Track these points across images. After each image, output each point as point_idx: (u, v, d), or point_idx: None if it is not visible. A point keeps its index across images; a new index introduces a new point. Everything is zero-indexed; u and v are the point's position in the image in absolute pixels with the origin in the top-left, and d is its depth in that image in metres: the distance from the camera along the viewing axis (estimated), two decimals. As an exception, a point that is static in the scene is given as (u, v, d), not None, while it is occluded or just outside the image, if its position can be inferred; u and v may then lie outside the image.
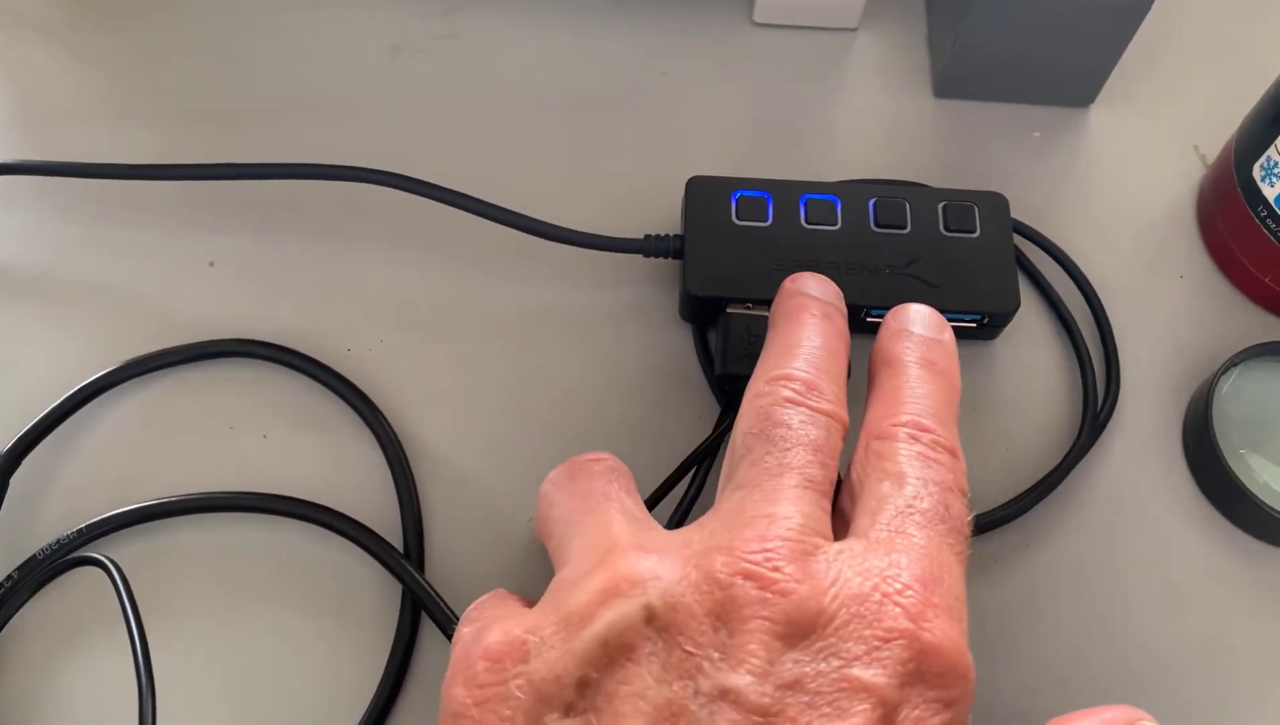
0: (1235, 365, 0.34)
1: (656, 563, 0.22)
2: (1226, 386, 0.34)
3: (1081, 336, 0.36)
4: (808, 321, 0.28)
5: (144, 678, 0.27)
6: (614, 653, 0.21)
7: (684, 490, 0.33)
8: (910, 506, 0.23)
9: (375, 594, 0.32)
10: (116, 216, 0.37)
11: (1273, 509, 0.32)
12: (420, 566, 0.32)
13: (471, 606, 0.26)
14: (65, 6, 0.41)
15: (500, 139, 0.39)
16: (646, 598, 0.21)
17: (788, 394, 0.25)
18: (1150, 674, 0.32)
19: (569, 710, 0.21)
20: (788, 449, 0.24)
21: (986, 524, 0.33)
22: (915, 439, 0.25)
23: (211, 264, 0.37)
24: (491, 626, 0.23)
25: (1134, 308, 0.37)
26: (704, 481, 0.33)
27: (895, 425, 0.25)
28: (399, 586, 0.32)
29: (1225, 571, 0.33)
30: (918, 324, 0.28)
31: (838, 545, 0.23)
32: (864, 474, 0.25)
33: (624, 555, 0.23)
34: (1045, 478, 0.34)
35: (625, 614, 0.21)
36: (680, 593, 0.21)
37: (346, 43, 0.41)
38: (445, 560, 0.33)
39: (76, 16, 0.41)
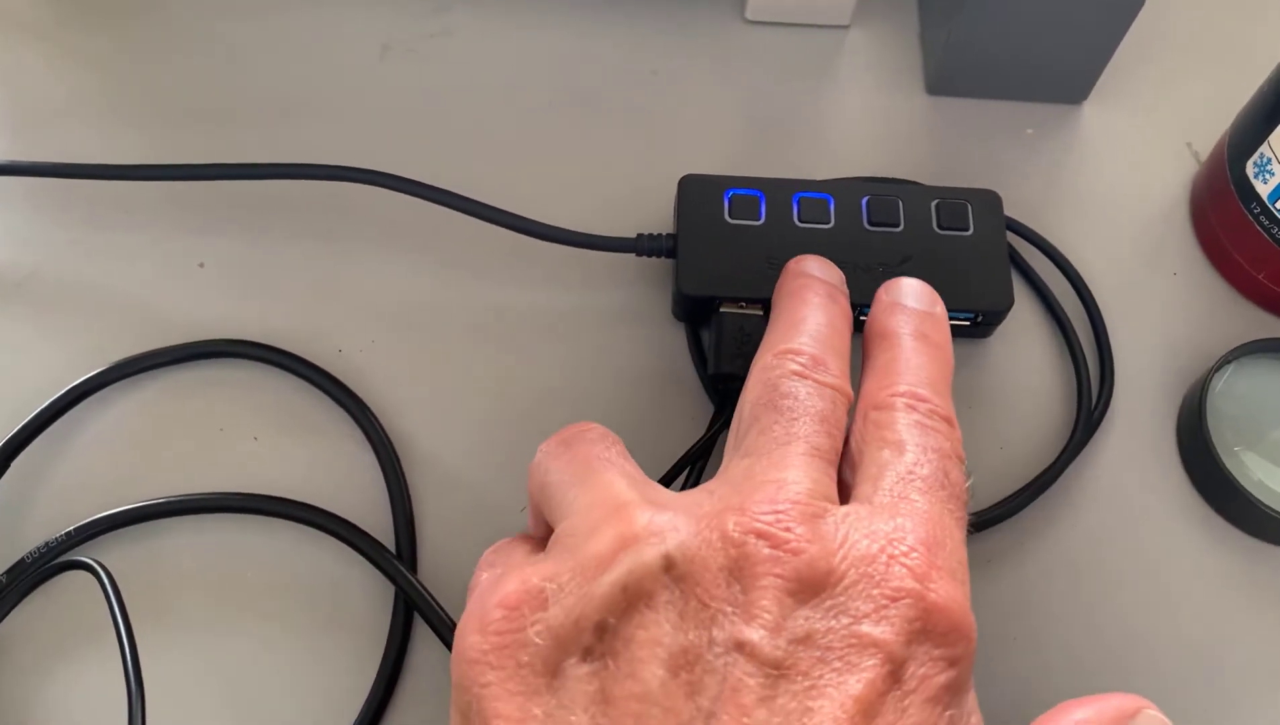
0: (1229, 362, 0.34)
1: (672, 517, 0.23)
2: (1220, 383, 0.34)
3: (1075, 334, 0.36)
4: (812, 300, 0.28)
5: (133, 682, 0.27)
6: (633, 598, 0.21)
7: (678, 490, 0.33)
8: (911, 473, 0.24)
9: (367, 595, 0.32)
10: (106, 217, 0.37)
11: (1267, 506, 0.32)
12: (412, 567, 0.32)
13: (489, 550, 0.26)
14: (55, 6, 0.41)
15: (491, 138, 0.39)
16: (665, 547, 0.22)
17: (794, 367, 0.26)
18: (1144, 671, 0.32)
19: (587, 655, 0.21)
20: (795, 419, 0.25)
21: (981, 522, 0.33)
22: (913, 408, 0.25)
23: (202, 265, 0.36)
24: (508, 575, 0.23)
25: (1128, 305, 0.37)
26: (698, 481, 0.33)
27: (893, 395, 0.26)
28: (391, 587, 0.32)
29: (1220, 569, 0.33)
30: (910, 297, 0.28)
31: (844, 509, 0.23)
32: (863, 442, 0.25)
33: (639, 508, 0.23)
34: (1040, 475, 0.34)
35: (645, 561, 0.22)
36: (696, 546, 0.22)
37: (337, 42, 0.41)
38: (437, 561, 0.32)
39: (66, 16, 0.41)
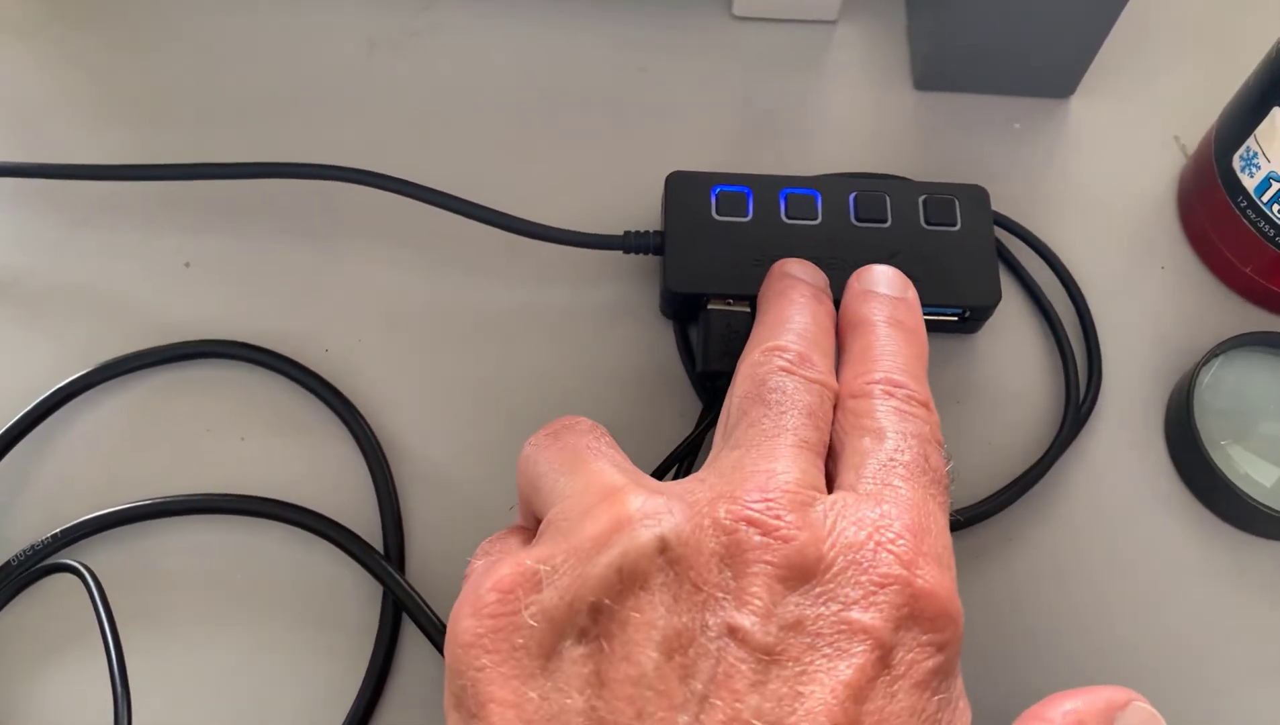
0: (1216, 356, 0.34)
1: (665, 502, 0.23)
2: (1208, 377, 0.34)
3: (1063, 329, 0.36)
4: (797, 300, 0.29)
5: (119, 685, 0.27)
6: (628, 580, 0.22)
7: (666, 488, 0.33)
8: (892, 459, 0.24)
9: (356, 596, 0.32)
10: (92, 217, 0.37)
11: (1254, 499, 0.32)
12: (401, 567, 0.32)
13: (485, 541, 0.27)
14: (40, 5, 0.41)
15: (479, 136, 0.39)
16: (660, 529, 0.22)
17: (781, 363, 0.26)
18: (1133, 664, 0.32)
19: (582, 636, 0.22)
20: (783, 412, 0.25)
21: (969, 518, 0.33)
22: (890, 394, 0.26)
23: (188, 264, 0.36)
24: (502, 560, 0.23)
25: (1115, 299, 0.37)
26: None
27: (870, 383, 0.26)
28: (379, 588, 0.31)
29: (1207, 562, 0.33)
30: (882, 284, 0.29)
31: (831, 497, 0.24)
32: (843, 432, 0.26)
33: (632, 492, 0.23)
34: (1028, 471, 0.34)
35: (640, 543, 0.22)
36: (690, 530, 0.22)
37: (323, 39, 0.40)
38: (426, 561, 0.32)
39: (51, 15, 0.41)
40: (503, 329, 0.36)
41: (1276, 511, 0.32)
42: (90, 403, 0.34)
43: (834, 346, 0.28)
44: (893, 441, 0.25)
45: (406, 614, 0.31)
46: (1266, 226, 0.34)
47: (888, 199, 0.35)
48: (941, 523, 0.24)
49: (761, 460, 0.24)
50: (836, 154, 0.39)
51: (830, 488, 0.25)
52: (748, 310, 0.33)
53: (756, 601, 0.21)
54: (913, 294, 0.29)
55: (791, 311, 0.28)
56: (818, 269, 0.31)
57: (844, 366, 0.27)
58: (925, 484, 0.24)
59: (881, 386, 0.26)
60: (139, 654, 0.29)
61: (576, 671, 0.21)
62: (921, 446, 0.25)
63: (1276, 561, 0.33)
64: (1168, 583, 0.33)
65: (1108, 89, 0.41)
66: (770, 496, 0.23)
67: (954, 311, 0.34)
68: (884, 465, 0.24)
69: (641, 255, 0.35)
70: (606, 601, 0.22)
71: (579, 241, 0.35)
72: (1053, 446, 0.34)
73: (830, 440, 0.26)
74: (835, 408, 0.26)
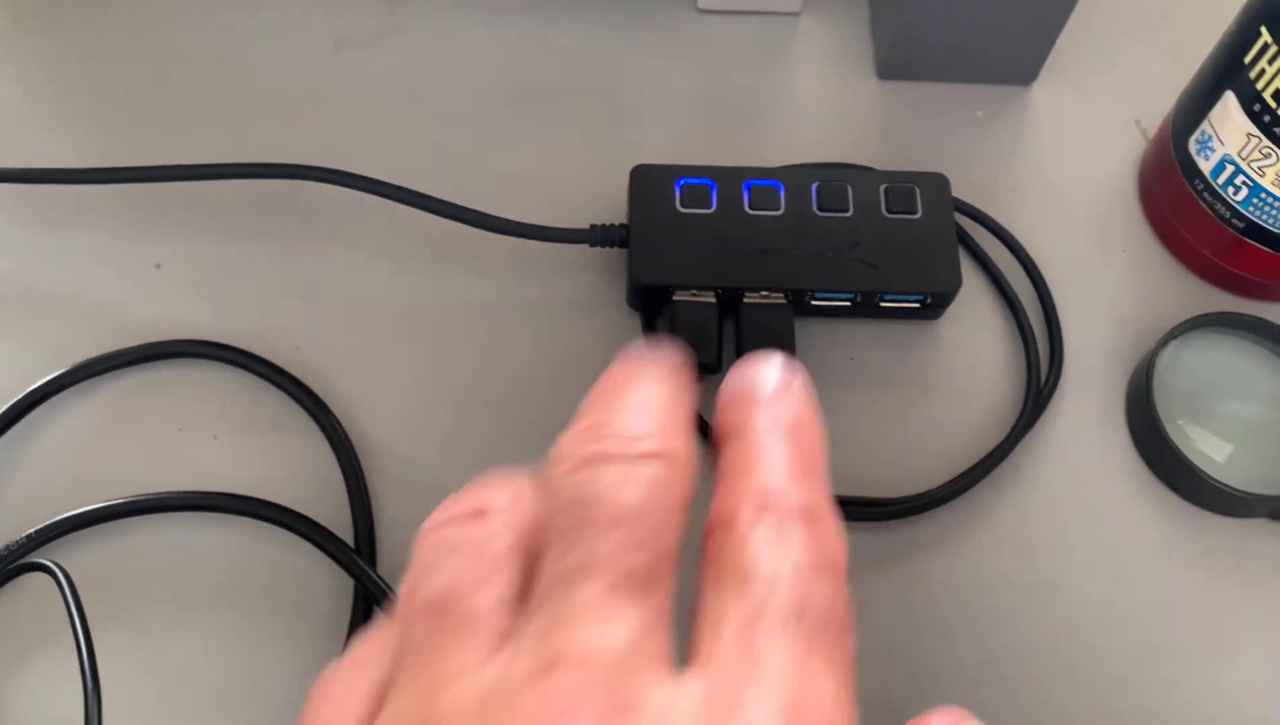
0: (1175, 337, 0.35)
1: None
2: (1167, 358, 0.35)
3: (1025, 313, 0.36)
4: (617, 368, 0.21)
5: (89, 683, 0.27)
6: None
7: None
8: (758, 613, 0.18)
9: (328, 590, 0.32)
10: (62, 220, 0.37)
11: (1209, 477, 0.32)
12: (372, 562, 0.32)
13: (320, 689, 0.21)
14: (10, 7, 0.41)
15: (446, 132, 0.39)
16: None
17: (587, 453, 0.19)
18: (1097, 644, 0.32)
19: None
20: (591, 537, 0.18)
21: (931, 502, 0.33)
22: (762, 515, 0.19)
23: (158, 266, 0.37)
24: None
25: (1077, 283, 0.37)
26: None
27: (736, 504, 0.19)
28: (351, 582, 0.32)
29: (1167, 538, 0.34)
30: (755, 381, 0.22)
31: (665, 695, 0.17)
32: (703, 580, 0.19)
33: None
34: (991, 453, 0.34)
35: None
36: None
37: (289, 39, 0.41)
38: (397, 555, 0.33)
39: (15, 21, 0.41)
40: (471, 324, 0.36)
41: (1231, 488, 0.32)
42: (63, 404, 0.34)
43: (688, 411, 0.21)
44: (760, 585, 0.18)
45: (378, 608, 0.31)
46: (1223, 208, 0.35)
47: (849, 188, 0.35)
48: (825, 687, 0.18)
49: (559, 636, 0.17)
50: (801, 144, 0.39)
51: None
52: (714, 301, 0.34)
53: None
54: (799, 380, 0.22)
55: (607, 381, 0.21)
56: (677, 345, 0.22)
57: (715, 489, 0.20)
58: (805, 635, 0.18)
59: (752, 505, 0.19)
60: (113, 652, 0.29)
61: None
62: (798, 581, 0.18)
63: (1232, 537, 0.34)
64: (1128, 559, 0.33)
65: (1069, 75, 0.41)
66: (567, 719, 0.16)
67: (915, 298, 0.35)
68: (746, 623, 0.18)
69: (608, 248, 0.36)
70: None
71: (545, 236, 0.36)
72: (1015, 428, 0.34)
73: (695, 589, 0.19)
74: (705, 537, 0.20)
